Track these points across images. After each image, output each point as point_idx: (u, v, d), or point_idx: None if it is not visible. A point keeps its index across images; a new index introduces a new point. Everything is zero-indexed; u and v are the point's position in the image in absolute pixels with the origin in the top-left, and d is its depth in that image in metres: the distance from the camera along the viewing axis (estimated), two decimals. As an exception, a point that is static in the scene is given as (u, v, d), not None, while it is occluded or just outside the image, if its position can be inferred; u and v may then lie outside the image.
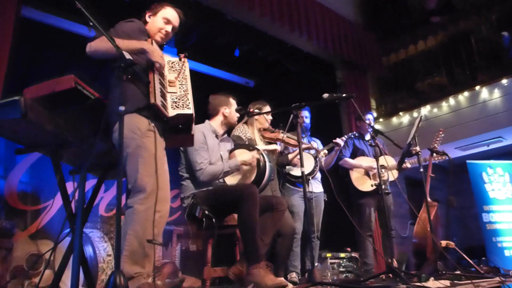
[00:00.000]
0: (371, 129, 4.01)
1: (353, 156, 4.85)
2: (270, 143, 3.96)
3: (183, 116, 2.46)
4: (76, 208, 2.36)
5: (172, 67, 2.60)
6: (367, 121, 4.77)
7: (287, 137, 3.90)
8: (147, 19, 2.69)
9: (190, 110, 2.47)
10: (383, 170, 4.47)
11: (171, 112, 2.42)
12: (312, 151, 4.45)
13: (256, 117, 3.93)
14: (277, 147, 3.85)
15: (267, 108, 4.02)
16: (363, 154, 4.85)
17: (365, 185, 4.69)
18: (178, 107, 2.45)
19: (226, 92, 3.61)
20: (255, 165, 3.37)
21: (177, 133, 2.60)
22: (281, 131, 3.93)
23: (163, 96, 2.41)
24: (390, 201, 4.74)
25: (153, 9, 2.71)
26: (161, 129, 2.46)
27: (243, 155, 3.40)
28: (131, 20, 2.56)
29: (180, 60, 2.62)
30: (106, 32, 2.31)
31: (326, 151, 4.46)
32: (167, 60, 2.60)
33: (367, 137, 4.93)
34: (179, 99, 2.47)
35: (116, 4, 4.55)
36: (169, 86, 2.51)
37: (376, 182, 4.56)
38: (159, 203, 2.24)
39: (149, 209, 2.18)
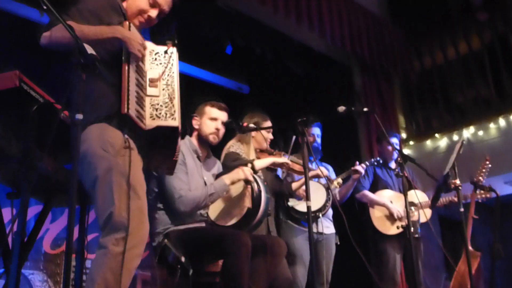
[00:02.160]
0: (397, 154, 4.00)
1: (373, 188, 4.85)
2: (268, 168, 3.93)
3: (166, 129, 2.38)
4: (13, 242, 2.34)
5: (155, 59, 2.50)
6: (390, 147, 4.83)
7: (291, 161, 3.88)
8: None
9: (176, 122, 2.37)
10: (412, 208, 4.47)
11: (150, 124, 2.33)
12: (323, 180, 4.43)
13: (253, 133, 3.93)
14: (286, 160, 3.80)
15: (268, 124, 3.99)
16: (386, 186, 4.86)
17: (389, 227, 4.69)
18: (159, 117, 2.35)
19: (209, 96, 3.60)
20: (249, 187, 3.35)
21: (156, 152, 2.53)
22: (283, 153, 3.93)
23: (140, 101, 2.32)
24: (420, 247, 4.74)
25: None
26: (139, 144, 2.39)
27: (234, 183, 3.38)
28: None
29: (165, 52, 2.51)
30: (67, 13, 2.31)
31: (340, 181, 4.43)
32: (150, 49, 2.50)
33: (392, 165, 4.96)
34: (161, 106, 2.38)
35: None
36: (150, 86, 2.42)
37: (404, 224, 4.56)
38: (140, 244, 2.19)
39: (127, 253, 2.12)
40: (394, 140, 4.99)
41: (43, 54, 4.52)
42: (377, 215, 4.77)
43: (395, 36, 7.07)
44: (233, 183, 3.30)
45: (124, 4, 2.60)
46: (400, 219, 4.66)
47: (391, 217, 4.73)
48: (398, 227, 4.64)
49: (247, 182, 3.38)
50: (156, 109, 2.38)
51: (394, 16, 7.64)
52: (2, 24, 4.83)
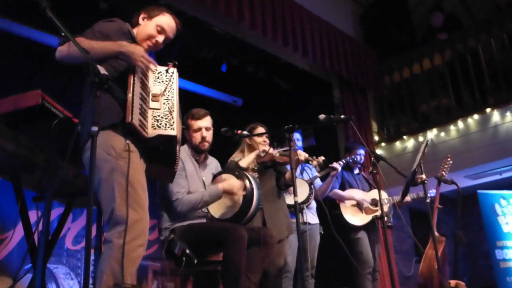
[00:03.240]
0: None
1: (341, 188, 4.90)
2: (266, 167, 3.92)
3: (165, 138, 2.38)
4: (39, 240, 2.32)
5: (158, 77, 2.48)
6: (358, 157, 4.87)
7: (281, 155, 3.86)
8: (140, 21, 2.59)
9: (174, 131, 2.36)
10: (385, 200, 4.51)
11: (151, 132, 2.32)
12: (306, 177, 4.44)
13: (248, 141, 3.91)
14: (264, 148, 3.76)
15: (259, 130, 3.92)
16: (351, 186, 4.92)
17: (358, 218, 4.72)
18: (160, 127, 2.34)
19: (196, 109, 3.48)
20: (240, 195, 3.28)
21: (157, 163, 2.51)
22: (276, 149, 3.91)
23: (143, 113, 2.31)
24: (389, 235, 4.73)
25: (149, 12, 2.59)
26: (141, 149, 2.38)
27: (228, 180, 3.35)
28: (111, 19, 2.48)
29: (167, 71, 2.51)
30: (82, 33, 2.30)
31: (321, 160, 4.35)
32: (154, 69, 2.48)
33: (356, 171, 5.08)
34: (162, 117, 2.37)
35: (90, 12, 4.57)
36: (152, 100, 2.40)
37: (378, 214, 4.60)
38: (141, 236, 2.17)
39: (129, 244, 2.11)
40: (361, 152, 5.01)
41: (62, 75, 4.57)
42: (347, 209, 4.79)
43: (369, 55, 7.10)
44: (225, 191, 3.23)
45: (135, 31, 2.58)
46: (365, 211, 4.69)
47: (359, 210, 4.75)
48: (374, 217, 4.67)
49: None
50: (157, 120, 2.37)
51: (367, 38, 7.68)
52: (25, 50, 4.81)
